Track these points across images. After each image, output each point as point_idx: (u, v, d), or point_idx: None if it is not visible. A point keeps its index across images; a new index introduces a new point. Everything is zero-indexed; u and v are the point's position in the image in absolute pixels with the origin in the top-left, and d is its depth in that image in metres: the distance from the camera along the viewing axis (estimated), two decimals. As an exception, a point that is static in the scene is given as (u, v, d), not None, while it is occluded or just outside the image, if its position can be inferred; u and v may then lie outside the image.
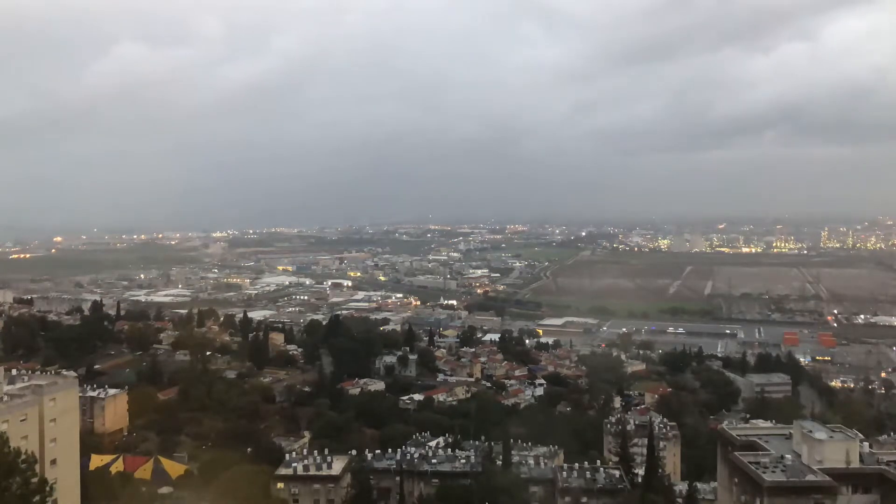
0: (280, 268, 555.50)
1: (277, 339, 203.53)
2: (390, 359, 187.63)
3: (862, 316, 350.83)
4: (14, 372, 69.12)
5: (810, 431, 51.45)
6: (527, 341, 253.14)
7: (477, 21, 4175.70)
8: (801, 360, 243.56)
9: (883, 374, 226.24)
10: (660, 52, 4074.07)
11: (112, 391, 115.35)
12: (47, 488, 46.22)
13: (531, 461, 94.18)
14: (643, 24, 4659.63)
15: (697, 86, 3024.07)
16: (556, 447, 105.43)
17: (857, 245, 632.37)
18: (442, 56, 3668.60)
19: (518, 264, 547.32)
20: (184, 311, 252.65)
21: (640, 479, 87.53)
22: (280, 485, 77.82)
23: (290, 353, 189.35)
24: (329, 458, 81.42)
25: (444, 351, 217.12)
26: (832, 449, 49.48)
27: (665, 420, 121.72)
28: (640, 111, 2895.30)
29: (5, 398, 58.29)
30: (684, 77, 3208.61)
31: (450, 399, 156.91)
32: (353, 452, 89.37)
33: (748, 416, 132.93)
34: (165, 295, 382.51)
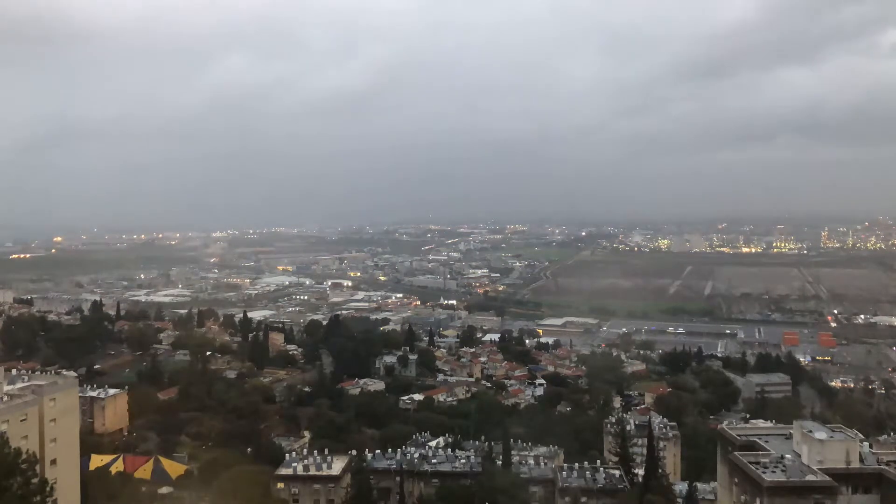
0: (280, 268, 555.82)
1: (277, 339, 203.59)
2: (390, 359, 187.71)
3: (862, 316, 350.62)
4: (14, 372, 69.32)
5: (810, 431, 51.36)
6: (527, 341, 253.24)
7: (547, 34, 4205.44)
8: (801, 360, 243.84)
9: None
10: (717, 70, 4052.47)
11: (112, 391, 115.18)
12: (47, 488, 46.22)
13: (531, 461, 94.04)
14: (706, 45, 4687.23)
15: (731, 95, 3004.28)
16: (556, 447, 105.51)
17: (857, 245, 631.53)
18: (501, 66, 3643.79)
19: (518, 264, 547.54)
20: (184, 311, 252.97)
21: (639, 479, 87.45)
22: (280, 485, 77.70)
23: (290, 353, 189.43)
24: (329, 458, 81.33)
25: (444, 351, 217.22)
26: (832, 449, 49.41)
27: (665, 420, 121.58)
28: (668, 119, 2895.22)
29: (5, 398, 58.41)
30: (727, 89, 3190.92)
31: (450, 399, 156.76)
32: (353, 452, 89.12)
33: (748, 416, 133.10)
34: (165, 295, 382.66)
